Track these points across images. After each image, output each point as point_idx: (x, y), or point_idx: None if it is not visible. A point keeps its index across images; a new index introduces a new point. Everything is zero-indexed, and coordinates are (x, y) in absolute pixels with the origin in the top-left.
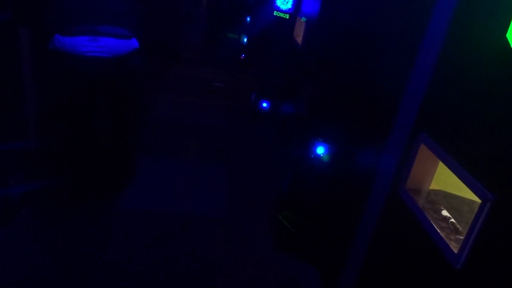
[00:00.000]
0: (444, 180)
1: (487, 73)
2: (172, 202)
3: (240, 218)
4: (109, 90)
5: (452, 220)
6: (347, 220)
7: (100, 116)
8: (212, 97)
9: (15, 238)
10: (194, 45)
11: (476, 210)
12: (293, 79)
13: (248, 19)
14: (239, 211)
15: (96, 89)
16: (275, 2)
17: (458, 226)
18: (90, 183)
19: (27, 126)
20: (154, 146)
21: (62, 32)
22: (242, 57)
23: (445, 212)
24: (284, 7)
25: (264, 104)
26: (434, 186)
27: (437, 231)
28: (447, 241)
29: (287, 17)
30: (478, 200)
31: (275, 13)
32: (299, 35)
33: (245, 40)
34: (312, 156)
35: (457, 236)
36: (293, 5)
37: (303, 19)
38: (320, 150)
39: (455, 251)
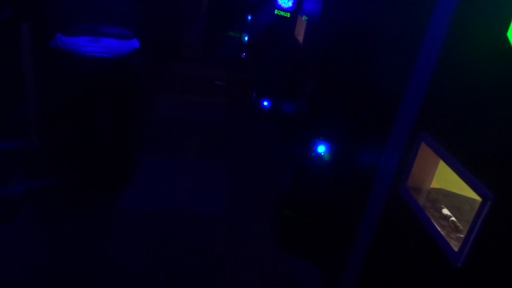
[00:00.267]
0: (445, 178)
1: (488, 72)
2: (172, 201)
3: (241, 217)
4: (110, 90)
5: (453, 218)
6: (348, 219)
7: (101, 115)
8: (213, 96)
9: (15, 237)
10: (195, 44)
11: (477, 208)
12: (294, 77)
13: (249, 17)
14: (239, 210)
15: (97, 89)
16: (277, 0)
17: (459, 225)
18: (90, 183)
19: (28, 125)
20: (155, 145)
21: (64, 32)
22: (243, 55)
23: (445, 211)
24: (285, 5)
25: (265, 103)
26: (434, 184)
27: (438, 230)
28: (448, 239)
29: (288, 16)
30: (479, 199)
31: (276, 11)
32: (300, 33)
33: (246, 38)
34: (313, 154)
35: (458, 235)
36: (294, 3)
37: (304, 17)
38: (321, 148)
39: (456, 249)
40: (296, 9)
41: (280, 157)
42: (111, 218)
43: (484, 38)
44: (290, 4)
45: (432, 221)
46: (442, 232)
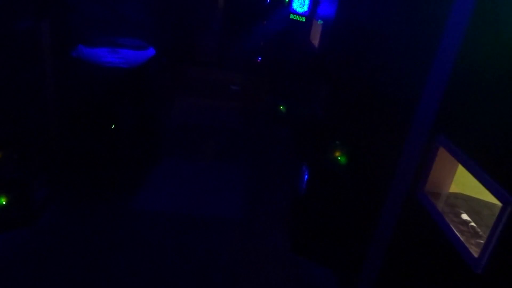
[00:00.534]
0: (464, 182)
1: (510, 73)
2: (187, 203)
3: (256, 220)
4: (128, 96)
5: (472, 223)
6: (364, 223)
7: (119, 121)
8: (228, 100)
9: (39, 239)
10: (211, 48)
11: (497, 213)
12: (309, 81)
13: (265, 22)
14: (254, 213)
15: (116, 95)
16: (291, 5)
17: (479, 230)
18: (108, 185)
19: (50, 130)
20: (171, 148)
21: (85, 43)
22: (258, 60)
23: (465, 216)
24: (300, 9)
25: (281, 107)
26: (453, 189)
27: (457, 235)
28: (467, 245)
29: (304, 20)
30: (499, 204)
31: (291, 16)
32: (315, 38)
33: (262, 43)
34: (329, 158)
35: (478, 240)
36: (309, 7)
37: (320, 21)
38: (337, 153)
39: (476, 255)
40: (311, 14)
41: (295, 160)
42: (127, 219)
43: (505, 38)
44: (305, 8)
45: (451, 226)
46: (461, 238)
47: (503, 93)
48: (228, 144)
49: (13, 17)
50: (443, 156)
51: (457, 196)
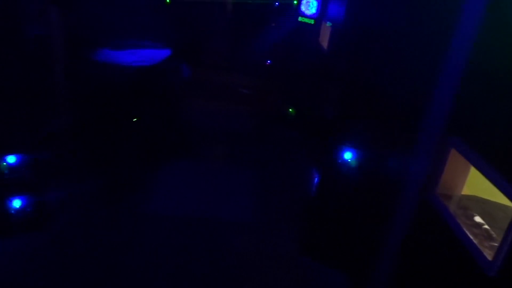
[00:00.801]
0: (477, 184)
1: None
2: (197, 207)
3: (266, 223)
4: (149, 91)
5: (486, 226)
6: (376, 225)
7: (139, 115)
8: (238, 103)
9: (52, 242)
10: (220, 51)
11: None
12: (319, 84)
13: (274, 25)
14: (265, 216)
15: (137, 92)
16: (300, 8)
17: (492, 233)
18: (119, 188)
19: (63, 135)
20: (181, 151)
21: (110, 47)
22: (267, 63)
23: (478, 218)
24: (309, 12)
25: (291, 110)
26: (466, 191)
27: (470, 238)
28: (481, 248)
29: (312, 22)
30: None
31: (300, 18)
32: (324, 40)
33: (271, 46)
34: (340, 161)
35: (491, 243)
36: (318, 10)
37: (329, 24)
38: (347, 155)
39: (490, 258)
40: (320, 16)
41: (305, 163)
42: (138, 223)
43: None
44: (314, 11)
45: (464, 229)
46: (474, 241)
47: None
48: (237, 146)
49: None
50: (455, 158)
51: (469, 198)
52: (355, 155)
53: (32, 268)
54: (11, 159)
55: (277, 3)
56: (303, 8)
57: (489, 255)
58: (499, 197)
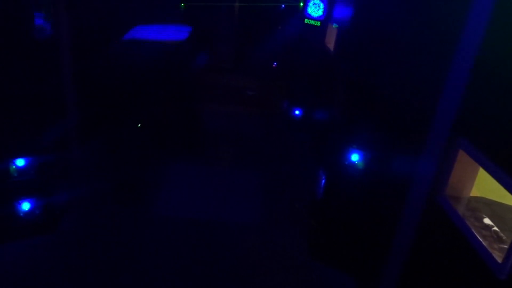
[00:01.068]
0: (485, 186)
1: None
2: (205, 209)
3: (274, 226)
4: (173, 65)
5: (495, 228)
6: (383, 228)
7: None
8: (245, 105)
9: (60, 244)
10: (227, 54)
11: None
12: (325, 86)
13: (280, 27)
14: (272, 218)
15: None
16: (306, 10)
17: (502, 235)
18: (126, 191)
19: (70, 137)
20: (188, 153)
21: (138, 26)
22: (274, 65)
23: (487, 220)
24: (315, 14)
25: (297, 112)
26: (475, 192)
27: (479, 240)
28: (490, 250)
29: (319, 24)
30: None
31: (306, 20)
32: (331, 41)
33: (277, 48)
34: (347, 163)
35: (501, 245)
36: (324, 12)
37: (335, 25)
38: (354, 157)
39: (499, 260)
40: (326, 18)
41: (312, 165)
42: (146, 224)
43: None
44: (320, 13)
45: (473, 231)
46: (484, 243)
47: None
48: (244, 148)
49: None
50: (463, 159)
51: (478, 200)
52: (362, 156)
53: (41, 270)
54: (20, 162)
55: (283, 6)
56: (309, 10)
57: (498, 257)
58: (508, 199)
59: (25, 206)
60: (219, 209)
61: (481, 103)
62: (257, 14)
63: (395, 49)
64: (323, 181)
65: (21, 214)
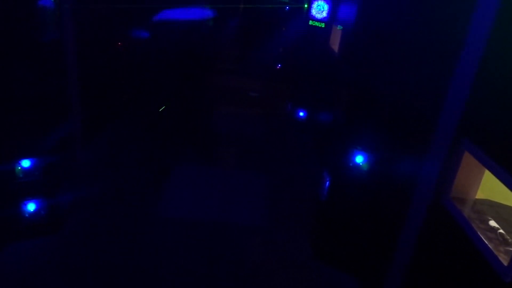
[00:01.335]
0: (491, 188)
1: None
2: (209, 210)
3: (278, 226)
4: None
5: (501, 230)
6: (387, 229)
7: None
8: (248, 106)
9: (65, 244)
10: (230, 55)
11: None
12: (329, 87)
13: (284, 29)
14: (276, 220)
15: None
16: (311, 11)
17: (508, 237)
18: (130, 192)
19: (74, 138)
20: (192, 155)
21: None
22: (278, 67)
23: (493, 223)
24: (319, 16)
25: (301, 113)
26: (480, 195)
27: (485, 242)
28: (496, 252)
29: (323, 26)
30: None
31: (310, 22)
32: (335, 43)
33: (281, 49)
34: (351, 164)
35: (507, 248)
36: (328, 14)
37: (339, 27)
38: (359, 159)
39: (505, 263)
40: (330, 19)
41: (316, 167)
42: (150, 226)
43: None
44: (324, 14)
45: (479, 233)
46: (489, 245)
47: None
48: (248, 150)
49: None
50: (468, 161)
51: (483, 202)
52: (367, 158)
53: (46, 270)
54: (25, 163)
55: (287, 7)
56: (313, 12)
57: (504, 260)
58: None
59: (31, 207)
60: (222, 210)
61: (486, 104)
62: (261, 16)
63: (399, 50)
64: (327, 182)
65: (26, 215)
